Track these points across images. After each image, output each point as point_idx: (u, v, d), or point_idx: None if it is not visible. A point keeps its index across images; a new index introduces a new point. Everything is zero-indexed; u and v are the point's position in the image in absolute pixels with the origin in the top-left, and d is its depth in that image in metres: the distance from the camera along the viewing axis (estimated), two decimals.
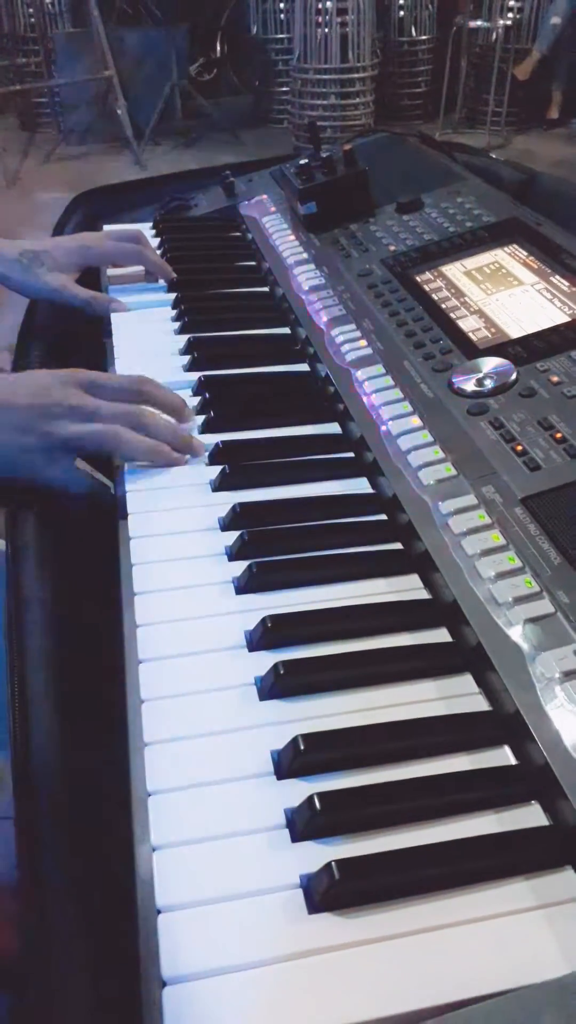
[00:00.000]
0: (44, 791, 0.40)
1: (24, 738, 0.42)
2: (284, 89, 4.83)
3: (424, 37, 4.88)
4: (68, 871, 0.37)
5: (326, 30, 4.14)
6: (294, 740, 0.40)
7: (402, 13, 4.80)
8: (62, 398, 0.59)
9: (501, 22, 4.46)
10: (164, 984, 0.32)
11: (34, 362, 0.82)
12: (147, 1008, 0.31)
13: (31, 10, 4.91)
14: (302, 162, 0.97)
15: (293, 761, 0.40)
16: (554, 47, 4.60)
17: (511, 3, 4.61)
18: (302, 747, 0.40)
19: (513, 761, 0.41)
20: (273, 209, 1.06)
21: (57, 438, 0.59)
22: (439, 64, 4.73)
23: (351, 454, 0.65)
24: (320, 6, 4.14)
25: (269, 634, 0.47)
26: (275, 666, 0.44)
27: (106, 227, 1.07)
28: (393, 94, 4.91)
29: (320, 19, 4.15)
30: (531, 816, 0.38)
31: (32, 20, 4.94)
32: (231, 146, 4.64)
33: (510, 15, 4.59)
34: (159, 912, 0.34)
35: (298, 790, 0.39)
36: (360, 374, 0.70)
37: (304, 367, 0.78)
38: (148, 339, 0.84)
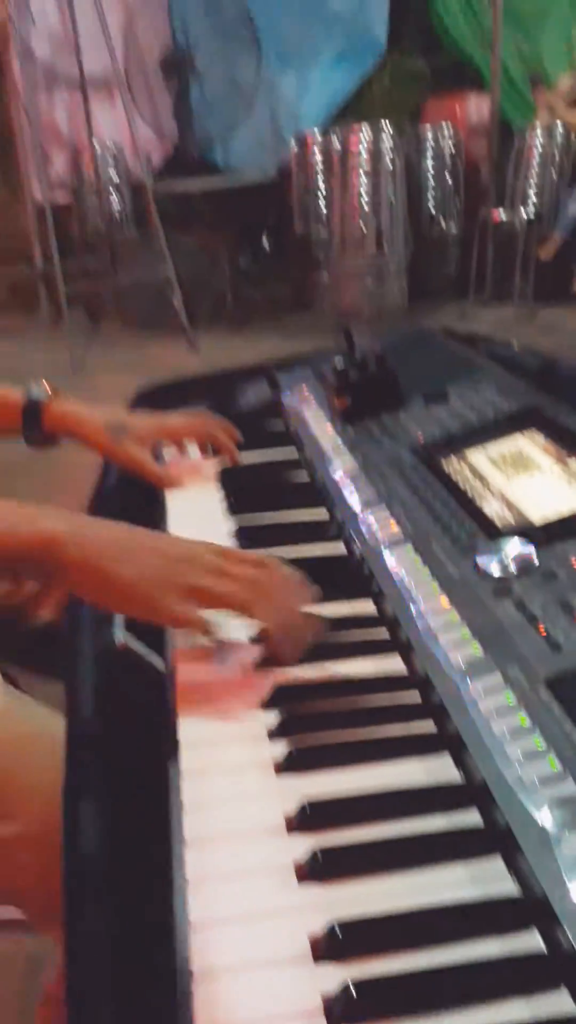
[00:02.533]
0: None
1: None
2: (324, 278, 5.27)
3: (453, 227, 5.33)
4: None
5: (362, 227, 4.57)
6: (331, 928, 0.42)
7: (432, 208, 5.28)
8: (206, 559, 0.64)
9: (523, 214, 4.87)
10: None
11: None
12: None
13: (100, 219, 5.55)
14: (338, 362, 1.08)
15: (329, 947, 0.41)
16: (574, 231, 4.97)
17: (532, 196, 5.04)
18: (339, 935, 0.41)
19: (542, 946, 0.42)
20: (312, 400, 1.17)
21: (194, 585, 0.62)
22: (468, 248, 5.14)
23: (385, 632, 0.69)
24: (356, 205, 4.60)
25: (308, 819, 0.49)
26: (313, 854, 0.47)
27: None
28: (425, 277, 5.31)
29: (356, 216, 4.59)
30: (561, 1004, 0.39)
31: (101, 228, 5.57)
32: (277, 330, 5.01)
33: (532, 206, 5.01)
34: None
35: (335, 975, 0.40)
36: (390, 555, 0.75)
37: (341, 548, 0.84)
38: (198, 519, 0.91)
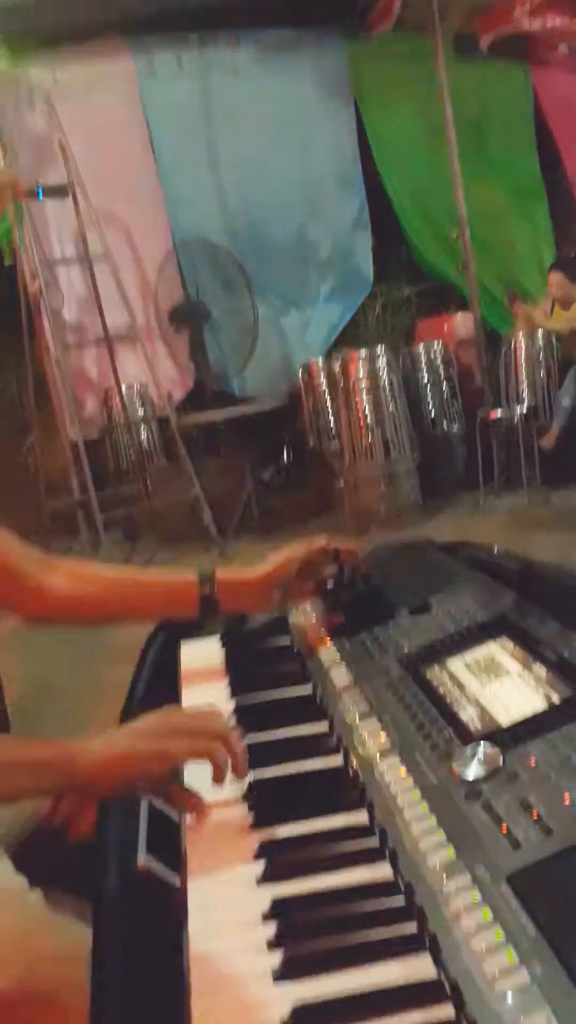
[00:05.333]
0: None
1: None
2: (341, 484, 5.61)
3: (455, 427, 5.71)
4: None
5: (369, 438, 4.94)
6: None
7: (433, 412, 5.70)
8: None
9: (519, 409, 5.24)
10: None
11: None
12: None
13: (131, 451, 6.05)
14: (329, 584, 1.22)
15: None
16: (570, 420, 5.30)
17: (524, 393, 5.45)
18: None
19: None
20: (313, 617, 1.29)
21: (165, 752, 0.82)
22: (472, 445, 5.48)
23: (375, 841, 0.76)
24: (362, 419, 5.00)
25: (298, 1022, 0.55)
26: None
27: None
28: (436, 474, 5.62)
29: (362, 430, 4.98)
30: None
31: (132, 459, 6.05)
32: (300, 535, 5.24)
33: (525, 402, 5.40)
34: None
35: None
36: (381, 766, 0.84)
37: (339, 760, 0.92)
38: None
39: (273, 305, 6.24)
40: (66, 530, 6.34)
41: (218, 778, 0.83)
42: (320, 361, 5.86)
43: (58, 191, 4.87)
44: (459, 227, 5.61)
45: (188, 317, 5.80)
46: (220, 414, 5.65)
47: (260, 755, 0.95)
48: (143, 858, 0.80)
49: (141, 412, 6.05)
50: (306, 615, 1.32)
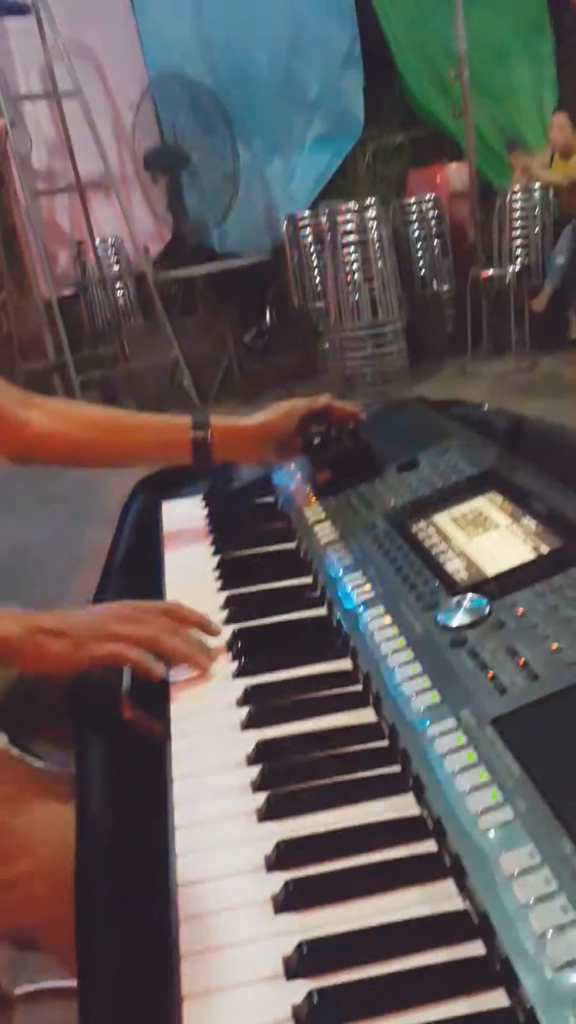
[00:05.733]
0: None
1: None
2: (326, 346, 5.46)
3: (445, 287, 5.52)
4: None
5: (356, 296, 4.77)
6: (298, 946, 0.49)
7: (423, 271, 5.48)
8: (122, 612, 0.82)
9: (511, 268, 5.05)
10: None
11: None
12: None
13: (107, 310, 5.82)
14: (316, 440, 1.18)
15: (298, 964, 0.48)
16: (563, 281, 5.13)
17: (518, 252, 5.23)
18: (304, 951, 0.48)
19: (483, 952, 0.48)
20: (298, 475, 1.26)
21: (111, 632, 0.80)
22: (462, 306, 5.32)
23: (359, 687, 0.76)
24: (349, 277, 4.80)
25: (282, 857, 0.56)
26: (285, 884, 0.53)
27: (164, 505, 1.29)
28: (423, 338, 5.48)
29: (350, 287, 4.79)
30: (497, 1000, 0.45)
31: (108, 318, 5.83)
32: (284, 399, 5.16)
33: (518, 261, 5.19)
34: None
35: (303, 987, 0.47)
36: (365, 616, 0.83)
37: (323, 611, 0.92)
38: (194, 591, 0.99)
39: (256, 151, 5.84)
40: (42, 394, 6.20)
41: (153, 674, 0.80)
42: (306, 213, 5.54)
43: (19, 8, 4.41)
44: (458, 65, 5.17)
45: (165, 163, 5.44)
46: (199, 270, 5.40)
47: (243, 607, 0.94)
48: (126, 706, 0.80)
49: (116, 268, 5.78)
50: (291, 472, 1.29)
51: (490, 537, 0.88)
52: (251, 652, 0.83)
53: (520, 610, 0.73)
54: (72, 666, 0.81)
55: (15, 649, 0.80)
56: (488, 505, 0.95)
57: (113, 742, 0.78)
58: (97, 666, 0.80)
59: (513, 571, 0.79)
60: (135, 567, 1.15)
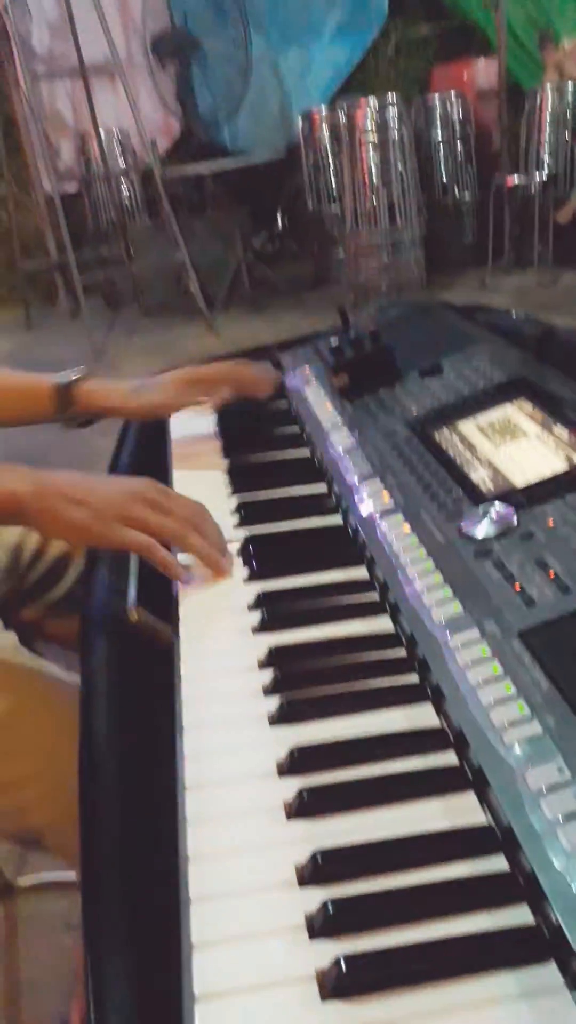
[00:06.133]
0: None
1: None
2: (340, 254, 5.26)
3: (467, 195, 5.28)
4: None
5: (373, 200, 4.56)
6: (313, 855, 0.47)
7: (444, 177, 5.23)
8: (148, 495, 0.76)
9: (537, 177, 4.81)
10: None
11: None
12: None
13: (111, 208, 5.59)
14: (334, 342, 1.12)
15: (312, 872, 0.46)
16: None
17: (546, 159, 4.98)
18: (319, 860, 0.46)
19: (506, 868, 0.46)
20: (313, 380, 1.21)
21: (134, 516, 0.75)
22: (483, 216, 5.09)
23: (376, 596, 0.73)
24: (367, 180, 4.58)
25: (296, 763, 0.54)
26: (300, 791, 0.51)
27: None
28: (442, 247, 5.27)
29: (367, 191, 4.58)
30: (520, 916, 0.43)
31: (112, 216, 5.61)
32: (295, 309, 5.02)
33: (546, 169, 4.95)
34: (197, 1000, 0.40)
35: (316, 896, 0.45)
36: (383, 524, 0.79)
37: (338, 520, 0.88)
38: (204, 500, 0.96)
39: (271, 40, 5.48)
40: (44, 296, 6.04)
41: (177, 575, 0.76)
42: (323, 109, 5.24)
43: None
44: None
45: (174, 47, 5.11)
46: (209, 167, 5.14)
47: (255, 513, 0.91)
48: (133, 609, 0.78)
49: (122, 163, 5.51)
50: (306, 376, 1.24)
51: (519, 446, 0.84)
52: (263, 558, 0.80)
53: (551, 521, 0.69)
54: (89, 540, 0.78)
55: (25, 508, 0.75)
56: (517, 413, 0.90)
57: (119, 646, 0.76)
58: (115, 549, 0.77)
59: (544, 482, 0.75)
60: (141, 472, 1.10)
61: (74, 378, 1.03)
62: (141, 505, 0.76)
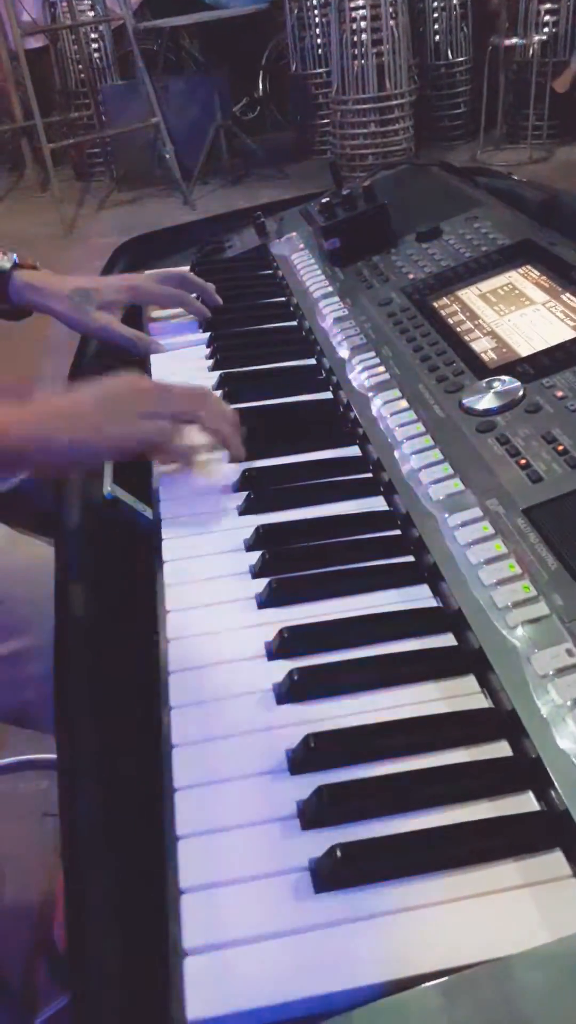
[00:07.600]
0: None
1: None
2: (325, 121, 4.94)
3: (461, 59, 4.92)
4: None
5: (362, 61, 4.23)
6: (305, 739, 0.44)
7: (438, 38, 4.86)
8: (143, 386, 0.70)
9: (536, 38, 4.48)
10: (186, 954, 0.36)
11: None
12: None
13: (80, 66, 5.16)
14: (324, 200, 1.03)
15: (304, 758, 0.43)
16: None
17: (546, 18, 4.62)
18: (312, 744, 0.43)
19: (510, 753, 0.44)
20: (301, 246, 1.12)
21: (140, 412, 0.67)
22: (477, 83, 4.76)
23: (369, 475, 0.69)
24: (355, 39, 4.24)
25: (286, 644, 0.51)
26: (290, 672, 0.48)
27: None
28: (433, 116, 4.96)
29: (356, 51, 4.25)
30: (524, 803, 0.41)
31: (82, 75, 5.19)
32: (276, 180, 4.75)
33: (545, 30, 4.60)
34: (182, 893, 0.38)
35: (309, 783, 0.42)
36: (377, 399, 0.74)
37: (328, 395, 0.82)
38: (184, 376, 0.89)
39: None
40: (10, 165, 5.65)
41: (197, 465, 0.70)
42: None
43: None
44: None
45: None
46: (185, 20, 4.72)
47: (238, 387, 0.84)
48: (109, 487, 0.73)
49: (91, 14, 5.05)
50: (293, 240, 1.15)
51: (524, 314, 0.77)
52: (248, 436, 0.75)
53: (559, 393, 0.64)
54: (93, 455, 0.68)
55: (15, 445, 0.64)
56: (522, 279, 0.83)
57: (96, 527, 0.71)
58: (130, 451, 0.68)
59: (551, 351, 0.70)
60: (112, 357, 1.01)
61: (7, 267, 0.92)
62: (143, 399, 0.68)
